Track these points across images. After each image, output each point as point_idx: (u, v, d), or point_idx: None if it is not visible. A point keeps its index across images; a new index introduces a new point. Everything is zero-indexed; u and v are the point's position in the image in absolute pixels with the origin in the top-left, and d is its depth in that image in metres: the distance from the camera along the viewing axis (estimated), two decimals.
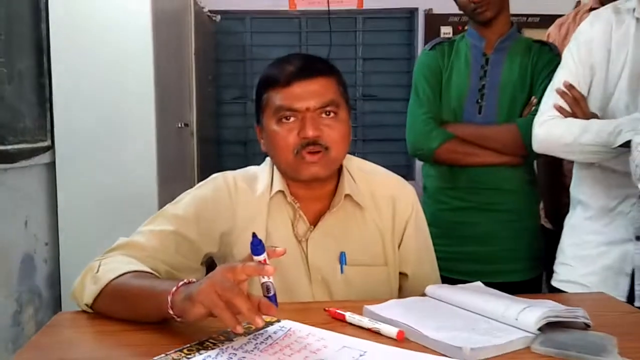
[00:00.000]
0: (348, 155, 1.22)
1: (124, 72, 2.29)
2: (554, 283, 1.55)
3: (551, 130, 1.44)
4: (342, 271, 1.18)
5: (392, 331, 0.89)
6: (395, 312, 0.95)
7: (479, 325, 0.91)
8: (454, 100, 1.72)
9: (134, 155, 2.31)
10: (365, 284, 1.19)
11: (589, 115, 1.42)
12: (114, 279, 0.99)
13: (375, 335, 0.90)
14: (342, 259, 1.18)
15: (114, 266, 1.02)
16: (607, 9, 1.47)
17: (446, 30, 3.85)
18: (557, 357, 0.82)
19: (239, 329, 0.82)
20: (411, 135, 1.75)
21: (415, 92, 1.77)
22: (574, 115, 1.43)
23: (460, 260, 1.67)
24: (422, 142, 1.70)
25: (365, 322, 0.93)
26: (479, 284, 1.11)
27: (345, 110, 1.17)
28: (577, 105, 1.43)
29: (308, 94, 1.11)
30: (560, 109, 1.44)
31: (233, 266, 0.85)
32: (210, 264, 1.23)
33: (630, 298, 1.40)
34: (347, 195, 1.18)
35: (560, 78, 1.47)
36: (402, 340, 0.88)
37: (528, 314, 0.89)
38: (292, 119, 1.12)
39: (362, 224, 1.21)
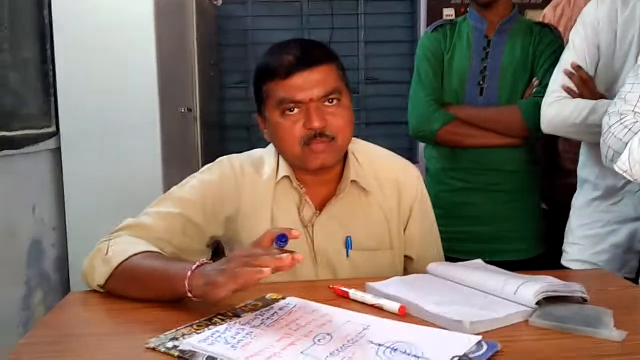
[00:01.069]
0: (353, 139, 1.22)
1: (127, 58, 2.30)
2: (563, 262, 1.56)
3: (560, 110, 1.44)
4: (347, 255, 1.19)
5: (394, 306, 0.91)
6: (397, 288, 0.98)
7: (479, 300, 0.93)
8: (456, 82, 1.73)
9: (138, 140, 2.33)
10: (370, 268, 1.20)
11: (597, 96, 1.42)
12: (124, 260, 1.01)
13: (378, 310, 0.93)
14: (347, 243, 1.19)
15: (124, 247, 1.04)
16: None
17: (448, 12, 3.82)
18: (554, 330, 0.85)
19: (270, 260, 0.84)
20: (413, 117, 1.76)
21: (417, 74, 1.77)
22: (581, 95, 1.43)
23: (462, 240, 1.69)
24: (424, 124, 1.72)
25: (368, 298, 0.95)
26: (479, 261, 1.13)
27: (347, 95, 1.16)
28: (584, 85, 1.43)
29: (310, 84, 1.10)
30: (568, 90, 1.44)
31: (252, 250, 0.89)
32: (216, 246, 1.25)
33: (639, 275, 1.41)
34: (352, 180, 1.19)
35: (567, 59, 1.47)
36: (403, 315, 0.90)
37: (526, 288, 0.91)
38: (295, 110, 1.11)
39: (367, 208, 1.21)
